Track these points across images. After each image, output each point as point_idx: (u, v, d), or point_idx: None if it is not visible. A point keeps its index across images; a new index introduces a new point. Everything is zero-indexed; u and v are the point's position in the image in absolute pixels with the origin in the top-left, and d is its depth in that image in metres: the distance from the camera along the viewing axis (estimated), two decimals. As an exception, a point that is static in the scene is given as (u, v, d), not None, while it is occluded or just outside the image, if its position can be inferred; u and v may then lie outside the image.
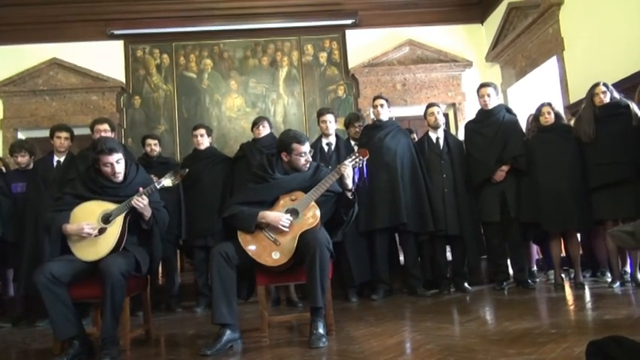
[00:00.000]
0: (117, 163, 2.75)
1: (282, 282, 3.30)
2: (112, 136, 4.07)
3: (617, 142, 3.64)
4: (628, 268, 3.81)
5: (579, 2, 5.20)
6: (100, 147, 2.73)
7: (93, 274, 2.58)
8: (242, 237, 2.68)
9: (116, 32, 6.65)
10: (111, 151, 2.72)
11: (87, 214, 2.70)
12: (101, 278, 2.50)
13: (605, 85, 3.80)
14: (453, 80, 6.99)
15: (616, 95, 3.81)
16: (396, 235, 4.34)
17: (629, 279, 3.74)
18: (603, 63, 4.76)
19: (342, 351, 2.38)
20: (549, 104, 4.06)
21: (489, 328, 2.74)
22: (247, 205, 2.77)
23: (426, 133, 4.43)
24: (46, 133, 4.21)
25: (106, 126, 4.00)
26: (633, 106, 3.71)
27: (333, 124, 4.30)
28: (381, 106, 4.32)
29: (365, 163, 2.96)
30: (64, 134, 4.10)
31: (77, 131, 4.98)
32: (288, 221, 2.67)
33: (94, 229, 2.64)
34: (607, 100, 3.76)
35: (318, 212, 2.72)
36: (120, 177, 2.79)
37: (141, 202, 2.69)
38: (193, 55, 6.81)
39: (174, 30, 6.73)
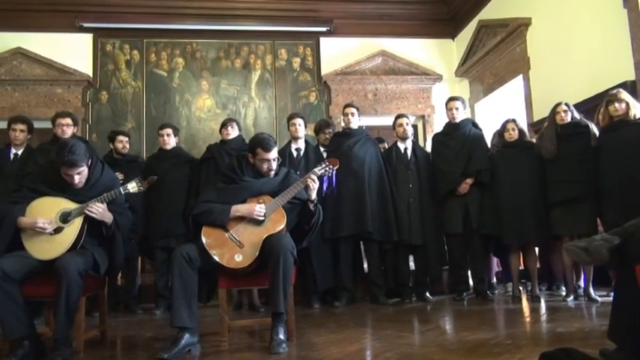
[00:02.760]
0: (77, 175, 2.63)
1: (244, 286, 3.27)
2: (75, 130, 3.96)
3: (576, 160, 3.78)
4: (582, 283, 3.95)
5: (546, 24, 5.39)
6: (63, 158, 2.57)
7: (48, 272, 2.48)
8: (205, 238, 2.65)
9: (86, 25, 6.49)
10: (72, 166, 2.58)
11: (45, 210, 2.60)
12: (56, 276, 2.41)
13: (566, 104, 3.95)
14: (423, 93, 7.12)
15: (576, 115, 3.96)
16: (361, 243, 4.37)
17: (582, 293, 3.87)
18: (566, 84, 4.95)
19: (302, 357, 2.37)
20: (514, 121, 4.19)
21: (448, 337, 2.79)
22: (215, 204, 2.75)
23: (395, 144, 4.48)
24: (5, 125, 4.06)
25: (68, 120, 3.88)
26: (592, 126, 3.86)
27: (302, 128, 4.31)
28: (352, 114, 4.36)
29: (334, 172, 2.97)
30: (19, 126, 3.94)
31: (40, 124, 4.85)
32: (262, 210, 2.67)
33: (50, 224, 2.55)
34: (568, 119, 3.90)
35: (284, 217, 2.72)
36: (79, 186, 2.68)
37: (95, 210, 2.58)
38: (165, 53, 6.71)
39: (146, 26, 6.62)
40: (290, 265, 2.59)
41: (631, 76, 4.20)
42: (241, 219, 2.71)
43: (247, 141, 3.61)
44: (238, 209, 2.69)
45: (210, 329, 2.99)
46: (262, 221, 2.69)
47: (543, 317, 3.32)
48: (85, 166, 2.65)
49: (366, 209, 4.08)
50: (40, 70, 6.41)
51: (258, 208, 2.68)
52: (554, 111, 3.96)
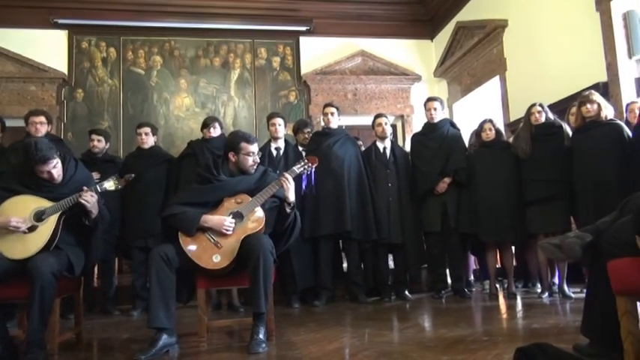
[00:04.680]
0: (54, 169, 2.59)
1: (223, 286, 3.24)
2: (49, 129, 3.88)
3: (550, 159, 3.86)
4: (556, 280, 4.03)
5: (522, 26, 5.49)
6: (32, 158, 2.52)
7: (20, 273, 2.42)
8: (183, 238, 2.62)
9: (60, 21, 6.38)
10: (45, 161, 2.54)
11: (19, 208, 2.54)
12: (29, 278, 2.36)
13: (540, 105, 4.02)
14: (402, 93, 7.18)
15: (550, 116, 4.04)
16: (340, 242, 4.38)
17: (557, 290, 3.96)
18: (541, 85, 5.06)
19: (281, 356, 2.37)
20: (491, 121, 4.25)
21: (426, 334, 2.81)
22: (190, 205, 2.71)
23: (374, 143, 4.50)
24: (-24, 123, 3.97)
25: (42, 118, 3.80)
26: (566, 126, 3.95)
27: (282, 128, 4.30)
28: (332, 114, 4.36)
29: (313, 170, 2.96)
30: None
31: (13, 123, 4.74)
32: (232, 225, 2.63)
33: (24, 223, 2.49)
34: (542, 119, 3.98)
35: (262, 217, 2.70)
36: (60, 179, 2.64)
37: (90, 199, 2.55)
38: (142, 51, 6.63)
39: (123, 23, 6.53)
40: (270, 264, 2.57)
41: (603, 77, 4.31)
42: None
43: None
44: (207, 220, 2.63)
45: (189, 330, 2.96)
46: (240, 220, 2.67)
47: (519, 314, 3.38)
48: (57, 158, 2.61)
49: (345, 208, 4.09)
50: (12, 67, 6.26)
51: (227, 223, 2.61)
52: (529, 112, 4.04)
